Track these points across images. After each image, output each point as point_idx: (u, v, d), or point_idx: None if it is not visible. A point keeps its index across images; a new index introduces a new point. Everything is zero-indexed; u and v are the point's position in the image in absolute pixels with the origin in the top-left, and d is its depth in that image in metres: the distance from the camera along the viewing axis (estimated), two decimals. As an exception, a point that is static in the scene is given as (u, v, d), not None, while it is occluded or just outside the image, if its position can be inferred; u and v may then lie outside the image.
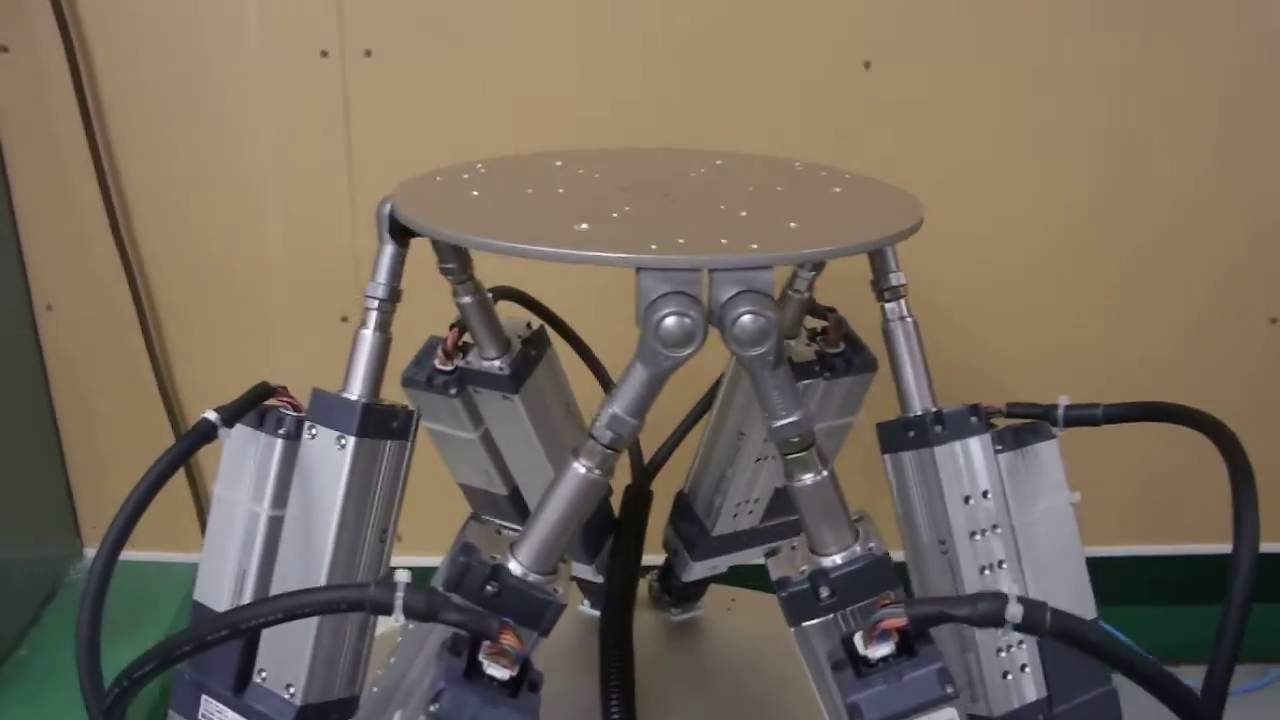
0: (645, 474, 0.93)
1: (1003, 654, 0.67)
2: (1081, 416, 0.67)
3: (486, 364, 0.77)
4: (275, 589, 0.67)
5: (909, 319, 0.68)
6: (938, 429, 0.66)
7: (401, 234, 0.67)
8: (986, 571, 0.66)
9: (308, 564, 0.65)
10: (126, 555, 1.35)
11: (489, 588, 0.58)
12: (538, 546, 0.60)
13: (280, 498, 0.67)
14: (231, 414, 0.66)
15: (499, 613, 0.57)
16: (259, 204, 1.24)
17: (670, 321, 0.54)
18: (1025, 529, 0.67)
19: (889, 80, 1.21)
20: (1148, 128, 1.22)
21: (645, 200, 0.65)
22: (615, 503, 0.91)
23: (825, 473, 0.59)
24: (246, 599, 0.68)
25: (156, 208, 1.24)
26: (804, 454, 0.58)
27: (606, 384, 0.89)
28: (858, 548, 0.59)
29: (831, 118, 1.22)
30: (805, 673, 0.61)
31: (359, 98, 1.20)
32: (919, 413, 0.67)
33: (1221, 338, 1.29)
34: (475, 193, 0.67)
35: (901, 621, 0.53)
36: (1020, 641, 0.67)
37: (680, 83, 1.20)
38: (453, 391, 0.78)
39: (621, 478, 0.92)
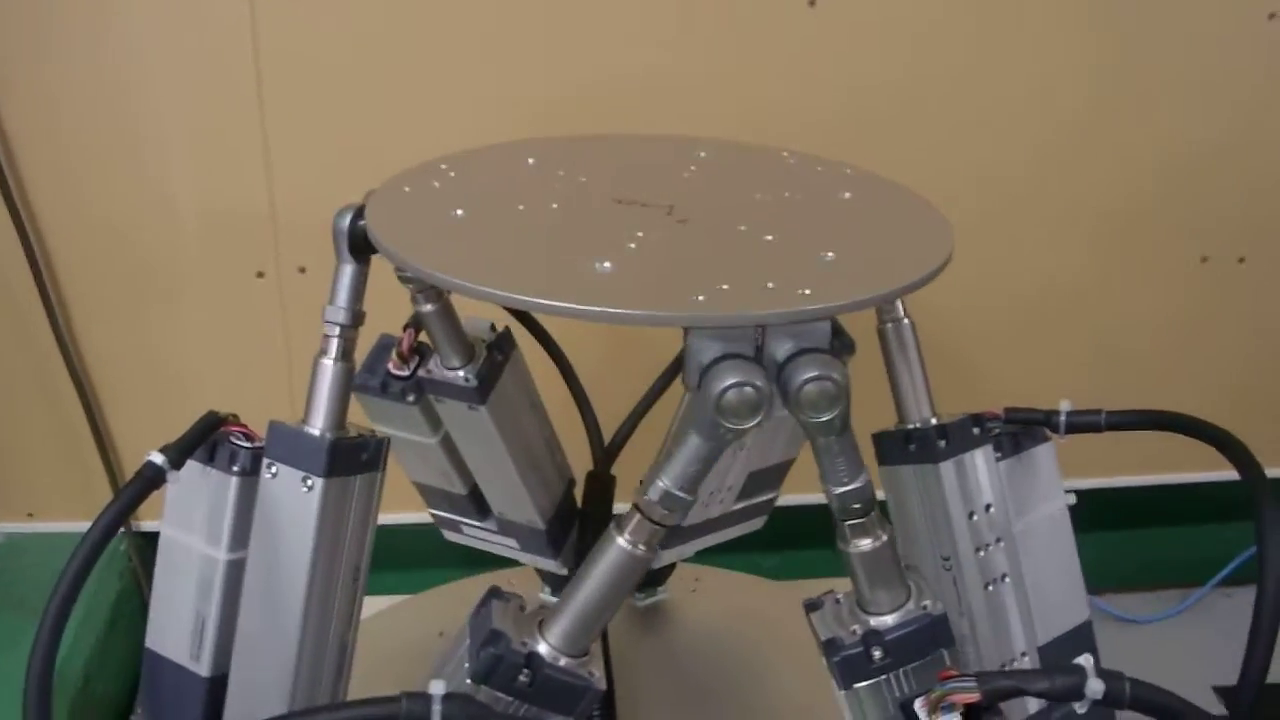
0: (606, 458, 0.88)
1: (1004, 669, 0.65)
2: (1083, 423, 0.65)
3: (450, 374, 0.71)
4: (241, 638, 0.62)
5: (905, 320, 0.65)
6: (941, 444, 0.63)
7: (363, 248, 0.61)
8: (990, 587, 0.65)
9: (278, 613, 0.61)
10: (34, 527, 1.29)
11: (522, 677, 0.54)
12: (573, 628, 0.56)
13: (239, 539, 0.62)
14: (179, 453, 0.60)
15: (531, 703, 0.54)
16: (163, 156, 1.13)
17: (733, 395, 0.49)
18: (1024, 537, 0.66)
19: (836, 19, 1.14)
20: (1090, 71, 1.18)
21: (652, 221, 0.59)
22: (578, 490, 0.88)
23: (885, 537, 0.55)
24: (207, 648, 0.63)
25: (51, 162, 1.13)
26: (864, 519, 0.54)
27: (568, 373, 0.84)
28: (911, 605, 0.56)
29: (769, 62, 1.15)
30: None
31: (269, 36, 1.10)
32: (918, 424, 0.64)
33: (1154, 275, 1.29)
34: (459, 211, 0.60)
35: (974, 698, 0.50)
36: (1023, 653, 0.66)
37: (601, 19, 1.12)
38: (410, 399, 0.73)
39: (583, 463, 0.88)
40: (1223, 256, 1.28)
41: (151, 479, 0.58)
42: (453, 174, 0.65)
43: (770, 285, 0.51)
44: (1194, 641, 1.32)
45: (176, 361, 1.22)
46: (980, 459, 0.64)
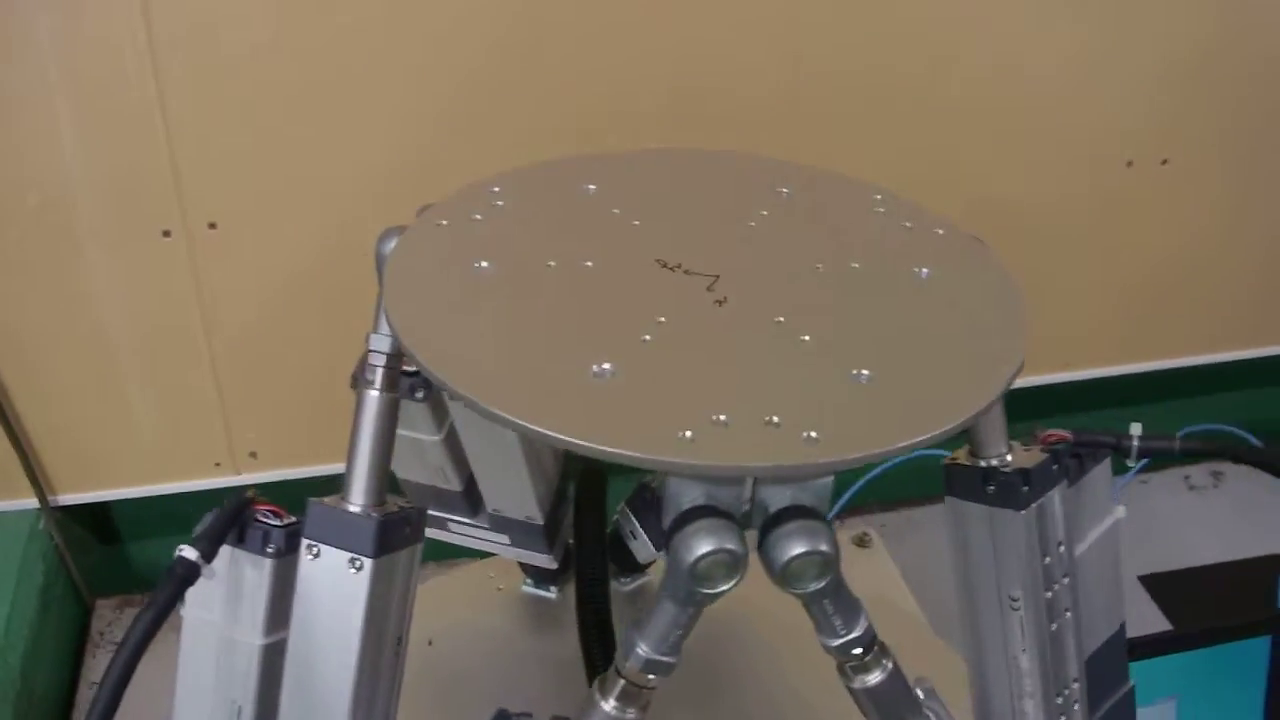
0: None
1: (1059, 699, 0.65)
2: (1157, 449, 0.63)
3: None
4: (285, 723, 0.58)
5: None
6: (1025, 490, 0.59)
7: None
8: (1055, 624, 0.63)
9: (326, 697, 0.56)
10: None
11: None
12: None
13: (276, 622, 0.58)
14: (210, 543, 0.55)
15: None
16: (50, 111, 1.02)
17: (705, 565, 0.45)
18: (1082, 561, 0.64)
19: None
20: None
21: (686, 299, 0.53)
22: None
23: (890, 664, 0.53)
24: (245, 737, 0.59)
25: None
26: (869, 657, 0.53)
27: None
28: None
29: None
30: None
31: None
32: (995, 461, 0.60)
33: (1079, 180, 1.30)
34: (484, 263, 0.54)
35: None
36: (1075, 680, 0.65)
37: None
38: (420, 395, 0.68)
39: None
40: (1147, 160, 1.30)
41: (185, 577, 0.53)
42: (500, 202, 0.59)
43: (775, 420, 0.45)
44: (1116, 532, 1.38)
45: (83, 330, 1.13)
46: (1058, 499, 0.61)
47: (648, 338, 0.50)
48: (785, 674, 0.85)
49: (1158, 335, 1.43)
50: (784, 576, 0.47)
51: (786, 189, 0.64)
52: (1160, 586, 1.31)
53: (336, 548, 0.55)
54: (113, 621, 1.22)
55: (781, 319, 0.52)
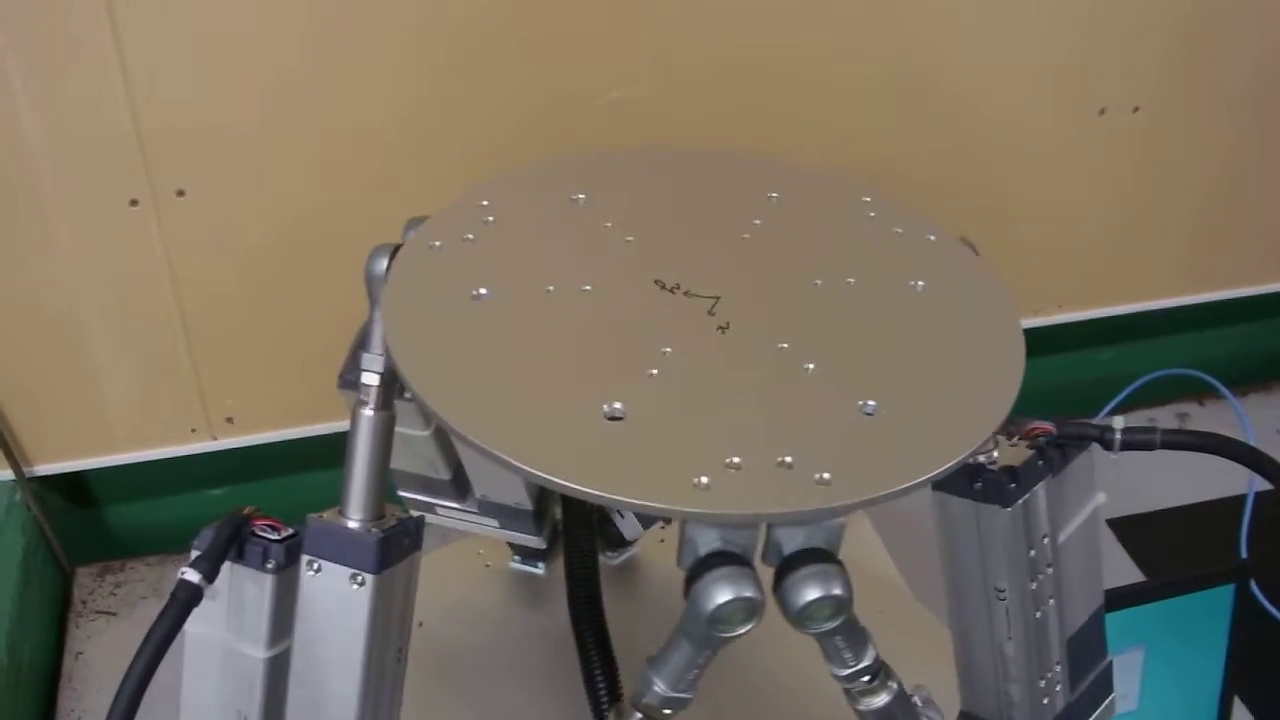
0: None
1: (1042, 682, 0.66)
2: (1138, 441, 0.63)
3: None
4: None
5: None
6: (1012, 487, 0.60)
7: None
8: (1039, 612, 0.65)
9: (330, 707, 0.57)
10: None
11: None
12: None
13: (279, 634, 0.58)
14: (211, 564, 0.55)
15: None
16: (2, 76, 0.99)
17: (725, 611, 0.46)
18: (1065, 549, 0.65)
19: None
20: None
21: (688, 326, 0.53)
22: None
23: (895, 685, 0.55)
24: (252, 743, 0.59)
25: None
26: (875, 683, 0.54)
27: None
28: None
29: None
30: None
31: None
32: (983, 460, 0.60)
33: (1050, 128, 1.30)
34: (483, 290, 0.54)
35: None
36: (1058, 663, 0.67)
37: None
38: (407, 395, 0.68)
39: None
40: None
41: (188, 600, 0.53)
42: (490, 218, 0.58)
43: (787, 460, 0.46)
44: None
45: (52, 300, 1.11)
46: (1042, 493, 0.62)
47: (654, 372, 0.50)
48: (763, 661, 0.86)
49: (1126, 280, 1.45)
50: (798, 618, 0.48)
51: (776, 194, 0.63)
52: (1130, 531, 1.34)
53: (339, 564, 0.55)
54: (94, 589, 1.22)
55: (784, 345, 0.52)
